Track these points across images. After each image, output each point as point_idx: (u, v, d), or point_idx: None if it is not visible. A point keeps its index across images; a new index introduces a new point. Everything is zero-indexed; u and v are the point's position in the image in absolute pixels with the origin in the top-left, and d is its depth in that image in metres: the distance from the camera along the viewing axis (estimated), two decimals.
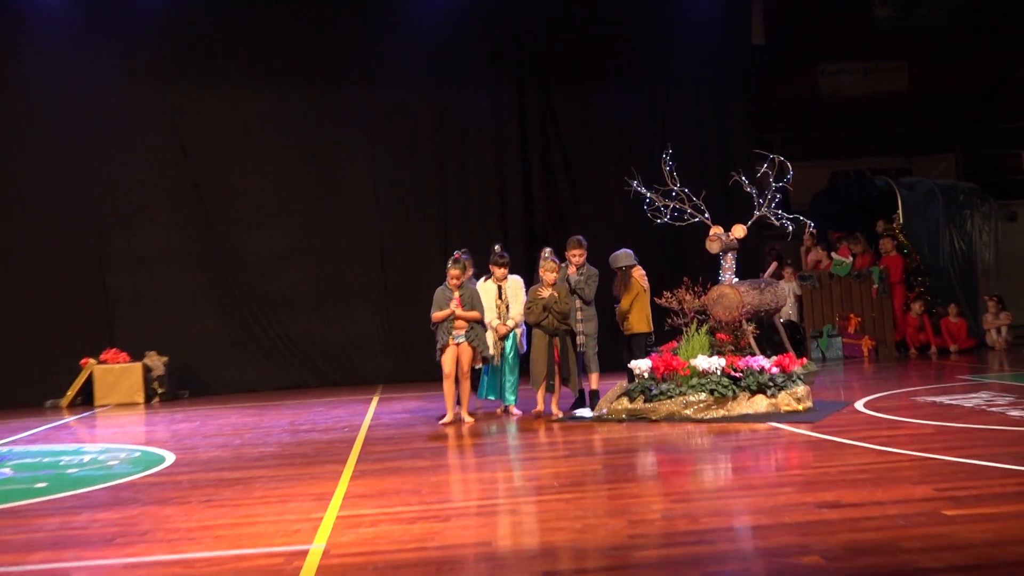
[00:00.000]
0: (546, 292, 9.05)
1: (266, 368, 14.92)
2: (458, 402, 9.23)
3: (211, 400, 13.59)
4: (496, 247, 9.90)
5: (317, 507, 5.60)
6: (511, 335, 9.66)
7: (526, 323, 9.34)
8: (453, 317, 8.99)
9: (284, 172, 15.07)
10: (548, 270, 9.09)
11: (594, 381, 9.48)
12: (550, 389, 9.16)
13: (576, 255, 9.49)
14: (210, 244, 14.90)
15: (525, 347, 9.71)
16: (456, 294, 9.08)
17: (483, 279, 9.84)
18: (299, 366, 15.00)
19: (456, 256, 9.25)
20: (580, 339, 9.33)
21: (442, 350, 9.05)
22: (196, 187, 14.88)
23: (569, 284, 9.30)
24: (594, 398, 9.41)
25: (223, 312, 14.90)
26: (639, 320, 9.67)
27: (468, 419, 9.10)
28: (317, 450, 8.04)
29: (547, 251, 9.25)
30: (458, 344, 9.06)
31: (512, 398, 9.57)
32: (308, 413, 11.08)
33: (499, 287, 9.68)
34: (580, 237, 9.72)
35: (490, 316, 9.53)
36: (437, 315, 9.07)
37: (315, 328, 15.02)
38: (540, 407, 9.24)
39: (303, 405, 12.09)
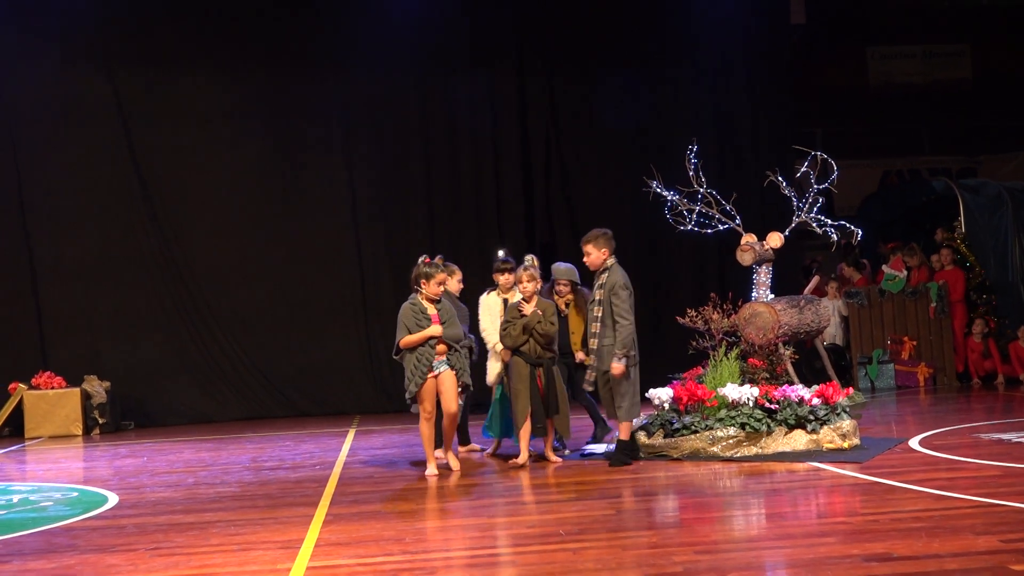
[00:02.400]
0: (528, 308, 8.54)
1: (224, 396, 14.94)
2: (439, 445, 8.76)
3: (160, 432, 13.56)
4: (500, 252, 9.62)
5: (284, 556, 5.60)
6: None
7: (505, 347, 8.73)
8: (434, 341, 8.24)
9: (246, 170, 15.11)
10: (527, 279, 8.57)
11: (625, 429, 8.52)
12: (538, 433, 8.60)
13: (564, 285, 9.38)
14: (159, 252, 14.93)
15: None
16: (431, 309, 8.35)
17: (487, 292, 9.59)
18: (263, 394, 15.01)
19: (430, 260, 8.53)
20: (591, 374, 8.53)
21: (419, 386, 8.22)
22: (144, 186, 14.91)
23: (584, 298, 8.95)
24: (625, 451, 8.48)
25: (174, 331, 14.91)
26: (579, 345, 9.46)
27: (455, 465, 8.58)
28: (284, 490, 8.03)
29: (529, 258, 9.07)
30: (437, 375, 8.30)
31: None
32: (273, 448, 11.07)
33: (505, 300, 9.32)
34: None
35: (494, 338, 9.18)
36: (410, 339, 8.20)
37: (281, 350, 15.04)
38: (523, 456, 8.61)
39: (267, 439, 12.08)
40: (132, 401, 14.57)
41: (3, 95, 14.66)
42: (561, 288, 9.37)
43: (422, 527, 6.41)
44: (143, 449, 11.68)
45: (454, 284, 9.17)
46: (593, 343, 8.38)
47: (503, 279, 9.36)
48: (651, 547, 5.43)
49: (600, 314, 8.31)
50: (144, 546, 6.09)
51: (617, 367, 8.16)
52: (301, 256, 15.13)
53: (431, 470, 8.34)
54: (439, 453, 8.80)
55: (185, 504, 7.60)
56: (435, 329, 8.24)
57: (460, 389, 8.41)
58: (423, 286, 8.34)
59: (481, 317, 9.49)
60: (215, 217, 15.00)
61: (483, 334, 9.42)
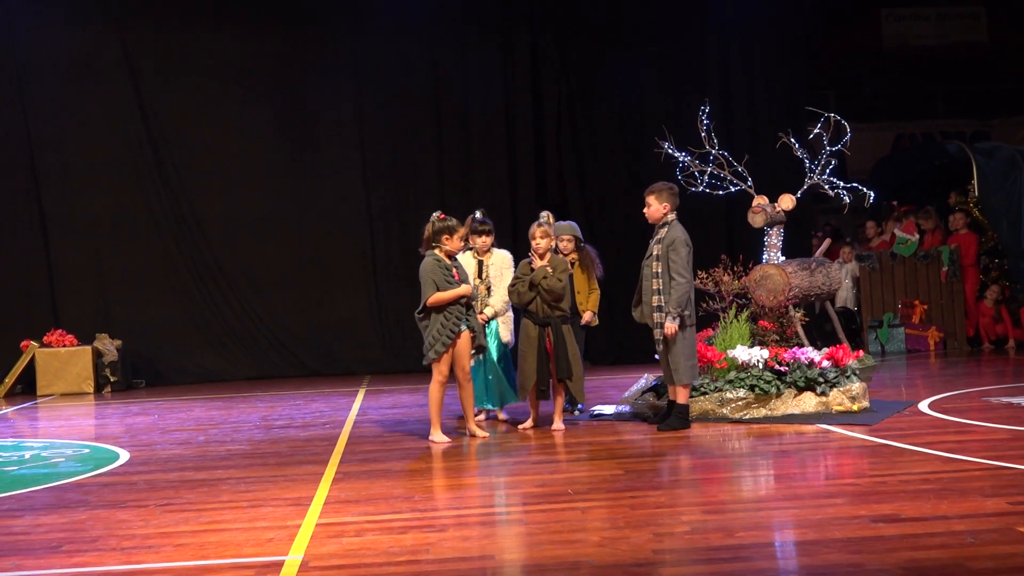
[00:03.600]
0: (538, 264, 8.30)
1: (235, 355, 15.00)
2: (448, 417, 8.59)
3: (171, 391, 13.64)
4: (477, 212, 9.04)
5: (293, 513, 5.64)
6: (491, 326, 8.89)
7: (512, 306, 8.66)
8: (463, 300, 7.94)
9: (258, 128, 15.07)
10: (540, 236, 8.31)
11: (682, 393, 8.24)
12: (541, 396, 8.33)
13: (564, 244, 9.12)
14: (171, 211, 14.92)
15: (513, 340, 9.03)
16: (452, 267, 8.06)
17: (462, 252, 9.10)
18: (273, 353, 15.06)
19: (444, 216, 8.16)
20: (659, 331, 8.07)
21: (446, 347, 7.89)
22: (155, 144, 14.88)
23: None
24: (680, 415, 8.20)
25: (186, 290, 14.95)
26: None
27: (481, 433, 8.18)
28: (294, 449, 8.08)
29: (544, 214, 8.65)
30: (460, 334, 8.00)
31: (494, 403, 9.00)
32: (283, 407, 11.13)
33: (480, 262, 8.92)
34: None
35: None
36: (441, 296, 7.85)
37: (292, 310, 15.07)
38: (532, 420, 8.48)
39: (278, 398, 12.14)
40: (143, 359, 14.63)
41: (13, 53, 14.61)
42: (565, 245, 9.08)
43: (431, 485, 6.44)
44: (154, 407, 11.75)
45: (456, 243, 8.73)
46: (656, 301, 8.04)
47: (480, 241, 8.90)
48: (659, 507, 5.45)
49: (659, 270, 8.07)
50: (155, 502, 6.14)
51: (670, 327, 7.94)
52: (312, 215, 15.10)
53: (436, 436, 8.02)
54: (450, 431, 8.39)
55: (196, 461, 7.65)
56: (466, 288, 7.95)
57: (475, 351, 8.19)
58: (445, 241, 7.99)
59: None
60: (227, 175, 14.96)
61: None
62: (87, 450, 8.45)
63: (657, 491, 5.89)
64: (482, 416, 9.06)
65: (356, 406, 10.87)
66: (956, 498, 5.33)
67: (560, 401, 8.53)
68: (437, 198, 14.85)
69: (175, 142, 14.92)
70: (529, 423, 8.49)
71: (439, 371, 7.92)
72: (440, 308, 7.88)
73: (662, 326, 8.01)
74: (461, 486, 6.47)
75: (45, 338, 14.08)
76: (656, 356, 8.33)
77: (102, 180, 14.74)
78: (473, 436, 8.15)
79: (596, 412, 9.16)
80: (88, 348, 13.98)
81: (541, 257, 8.34)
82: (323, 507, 5.77)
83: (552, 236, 8.43)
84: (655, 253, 8.10)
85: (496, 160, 15.23)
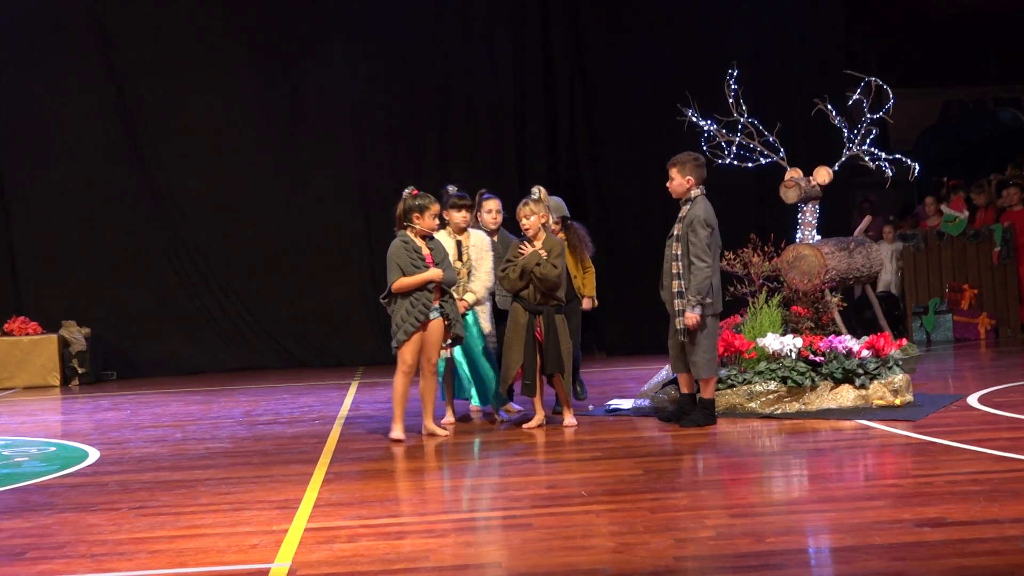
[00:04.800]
0: (530, 248, 8.15)
1: (215, 345, 15.04)
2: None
3: (145, 384, 13.64)
4: (451, 187, 8.85)
5: (280, 517, 5.65)
6: (471, 315, 8.68)
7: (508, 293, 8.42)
8: (432, 285, 7.88)
9: (239, 94, 15.08)
10: (526, 215, 8.16)
11: (708, 387, 8.14)
12: (526, 391, 8.23)
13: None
14: (145, 187, 14.91)
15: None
16: (424, 248, 8.00)
17: (435, 231, 8.83)
18: (257, 343, 15.11)
19: (418, 192, 8.09)
20: (680, 319, 7.94)
21: (409, 335, 7.86)
22: (127, 114, 14.86)
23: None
24: (706, 410, 8.13)
25: (162, 274, 14.96)
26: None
27: (441, 432, 8.16)
28: (280, 447, 8.10)
29: (535, 189, 8.48)
30: (428, 322, 7.95)
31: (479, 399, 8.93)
32: (269, 401, 11.15)
33: (458, 243, 8.71)
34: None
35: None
36: (406, 282, 7.83)
37: (279, 295, 15.09)
38: (537, 418, 8.33)
39: (262, 391, 12.16)
40: (114, 349, 14.65)
41: None
42: (552, 227, 8.81)
43: (430, 487, 6.45)
44: (126, 401, 11.77)
45: (428, 222, 8.18)
46: (676, 285, 7.92)
47: (458, 217, 8.68)
48: (681, 510, 5.45)
49: (679, 252, 7.93)
50: (127, 505, 6.15)
51: (691, 317, 7.83)
52: (301, 194, 15.09)
53: (397, 433, 7.93)
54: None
55: (172, 461, 7.66)
56: (435, 272, 7.86)
57: (450, 341, 8.15)
58: (416, 220, 7.97)
59: None
60: (207, 149, 14.96)
61: None
62: (53, 448, 8.47)
63: (679, 493, 5.89)
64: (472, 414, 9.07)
65: (348, 400, 10.87)
66: (1008, 500, 5.32)
67: (563, 394, 8.39)
68: (438, 179, 14.69)
69: (151, 112, 14.89)
70: (535, 422, 8.35)
71: (402, 360, 7.89)
72: (407, 293, 7.86)
73: (683, 314, 7.94)
74: (464, 488, 6.49)
75: (6, 326, 14.12)
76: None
77: (69, 152, 14.76)
78: (432, 435, 8.09)
79: (613, 407, 9.16)
80: (54, 337, 14.01)
81: (534, 239, 8.19)
82: (312, 510, 5.78)
83: (543, 214, 8.23)
84: (676, 233, 8.00)
85: (503, 138, 15.15)
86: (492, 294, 8.81)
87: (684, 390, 8.29)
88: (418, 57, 15.24)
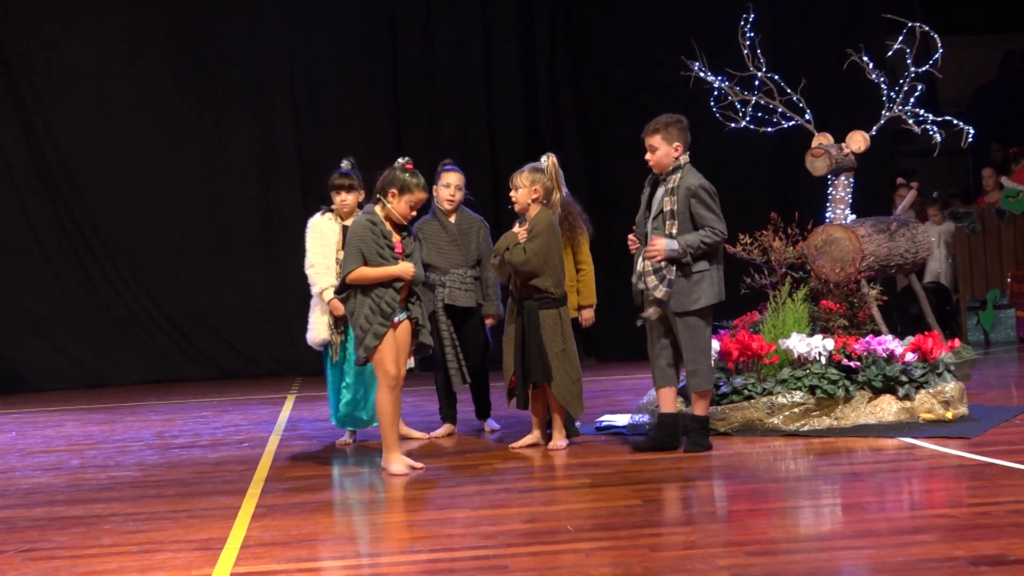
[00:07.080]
0: (523, 231, 8.17)
1: (120, 351, 15.05)
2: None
3: (34, 400, 13.64)
4: (343, 162, 8.96)
5: (200, 560, 5.62)
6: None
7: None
8: (399, 284, 7.68)
9: (152, 49, 15.06)
10: (514, 186, 8.24)
11: (701, 405, 8.12)
12: (520, 404, 8.39)
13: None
14: (31, 159, 14.92)
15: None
16: (395, 236, 7.79)
17: (320, 213, 9.02)
18: (172, 349, 15.13)
19: (412, 166, 7.82)
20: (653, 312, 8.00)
21: (379, 337, 7.63)
22: (9, 68, 14.82)
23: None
24: (704, 430, 8.11)
25: (52, 265, 14.98)
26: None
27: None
28: (200, 475, 8.07)
29: (545, 157, 8.49)
30: (397, 323, 7.78)
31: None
32: (186, 420, 11.14)
33: (345, 228, 8.68)
34: None
35: (324, 281, 8.78)
36: (368, 274, 7.59)
37: (198, 292, 15.13)
38: (532, 436, 8.44)
39: (178, 407, 12.16)
40: None
41: None
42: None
43: (384, 522, 6.43)
44: (10, 421, 11.72)
45: (401, 207, 7.84)
46: (652, 280, 7.85)
47: (339, 199, 8.77)
48: (687, 547, 5.44)
49: (674, 231, 7.78)
50: (14, 546, 6.10)
51: (662, 247, 7.70)
52: (224, 165, 15.17)
53: (397, 467, 7.70)
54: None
55: (68, 493, 7.62)
56: (405, 268, 7.66)
57: (414, 350, 8.00)
58: (392, 199, 7.70)
59: (309, 249, 8.94)
60: (108, 113, 14.98)
61: (308, 272, 8.94)
62: None
63: (686, 527, 5.89)
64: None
65: (283, 418, 10.89)
66: None
67: (556, 407, 8.36)
68: (391, 148, 14.71)
69: (37, 67, 14.88)
70: (525, 441, 8.40)
71: (383, 372, 7.68)
72: (367, 288, 7.66)
73: (663, 279, 7.77)
74: (424, 523, 6.45)
75: None
76: (639, 322, 8.08)
77: None
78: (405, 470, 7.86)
79: (605, 423, 9.16)
80: None
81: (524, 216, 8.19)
82: (240, 551, 5.74)
83: (536, 188, 8.16)
84: (665, 209, 7.83)
85: (470, 97, 15.17)
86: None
87: (666, 408, 8.11)
88: (363, 10, 15.22)
